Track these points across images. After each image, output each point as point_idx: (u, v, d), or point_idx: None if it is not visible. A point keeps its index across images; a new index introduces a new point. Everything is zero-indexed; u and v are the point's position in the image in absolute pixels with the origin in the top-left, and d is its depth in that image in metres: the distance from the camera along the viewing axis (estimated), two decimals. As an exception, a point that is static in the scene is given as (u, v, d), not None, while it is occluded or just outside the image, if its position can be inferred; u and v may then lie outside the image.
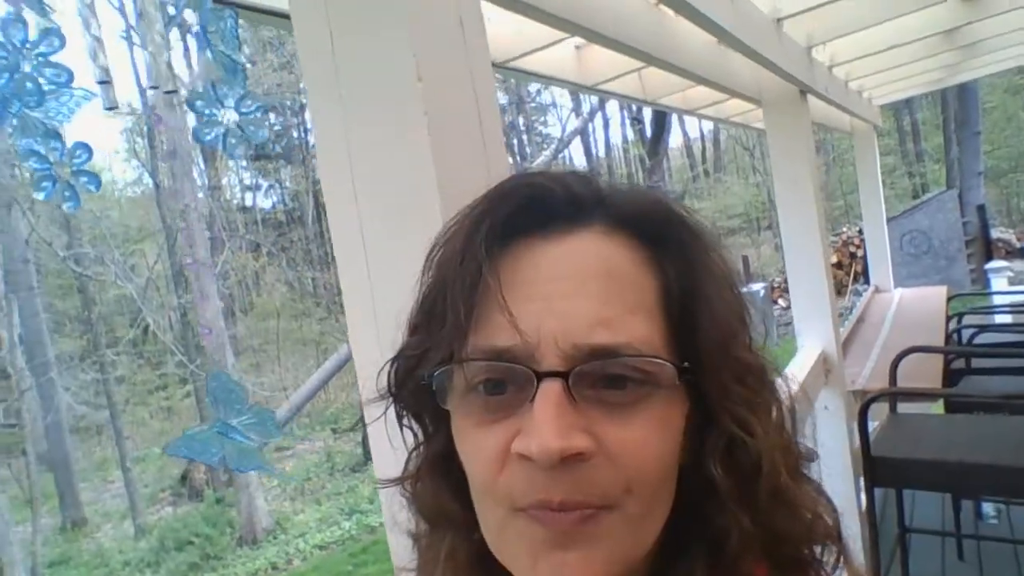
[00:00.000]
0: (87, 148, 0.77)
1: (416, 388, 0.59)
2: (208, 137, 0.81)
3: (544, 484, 0.51)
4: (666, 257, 0.57)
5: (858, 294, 8.56)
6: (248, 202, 24.06)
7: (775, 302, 14.32)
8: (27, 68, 0.71)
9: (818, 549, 0.59)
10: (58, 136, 0.75)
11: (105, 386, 15.75)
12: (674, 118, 21.72)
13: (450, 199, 0.77)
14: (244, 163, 22.62)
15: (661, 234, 0.57)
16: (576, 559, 0.52)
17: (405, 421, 0.64)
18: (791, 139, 3.12)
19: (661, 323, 0.55)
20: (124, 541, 13.06)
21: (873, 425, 3.12)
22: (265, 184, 25.39)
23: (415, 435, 0.64)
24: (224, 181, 22.08)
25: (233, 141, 0.82)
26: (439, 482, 0.61)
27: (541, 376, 0.51)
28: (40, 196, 0.76)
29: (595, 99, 18.24)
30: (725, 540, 0.55)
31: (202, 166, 18.90)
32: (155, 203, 15.45)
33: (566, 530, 0.52)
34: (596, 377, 0.52)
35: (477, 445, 0.55)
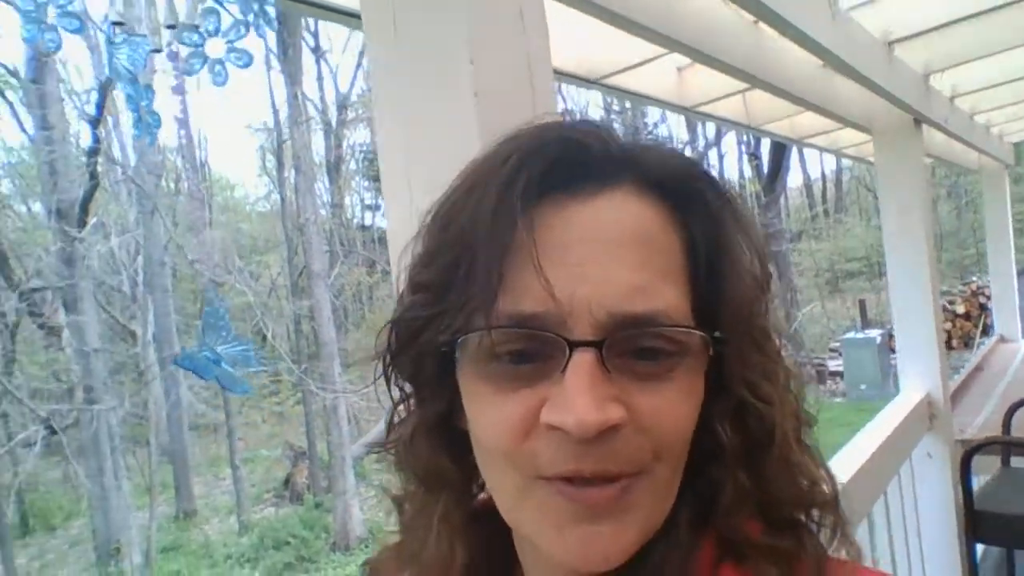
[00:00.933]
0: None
1: (419, 353, 0.57)
2: (197, 68, 0.89)
3: (575, 455, 0.49)
4: (693, 220, 0.55)
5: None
6: (367, 221, 25.02)
7: (893, 351, 13.53)
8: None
9: (815, 517, 0.57)
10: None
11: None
12: (794, 157, 21.08)
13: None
14: (366, 183, 23.57)
15: (689, 196, 0.56)
16: (608, 531, 0.51)
17: (396, 382, 0.61)
18: (903, 170, 2.99)
19: (688, 290, 0.54)
20: (228, 535, 13.69)
21: (984, 478, 2.91)
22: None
23: (404, 396, 0.62)
24: (346, 200, 23.08)
25: (219, 68, 0.90)
26: (436, 444, 0.59)
27: (574, 345, 0.50)
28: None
29: (711, 133, 17.94)
30: (719, 493, 0.54)
31: (326, 184, 19.89)
32: (280, 217, 16.35)
33: (596, 506, 0.50)
34: (628, 348, 0.51)
35: (498, 412, 0.52)
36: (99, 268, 12.15)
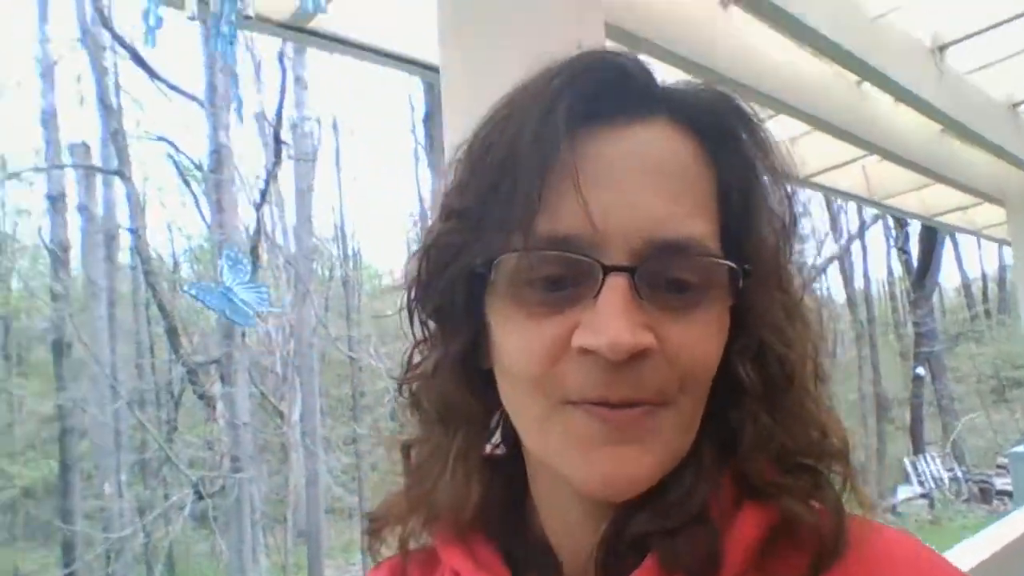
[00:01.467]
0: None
1: (450, 280, 0.57)
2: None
3: (605, 380, 0.50)
4: (725, 157, 0.56)
5: None
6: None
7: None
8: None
9: (827, 467, 0.57)
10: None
11: (358, 471, 17.19)
12: (948, 255, 19.81)
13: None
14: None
15: (722, 133, 0.56)
16: (634, 453, 0.51)
17: (420, 317, 0.62)
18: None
19: (718, 224, 0.55)
20: (355, 620, 13.79)
21: None
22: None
23: (425, 331, 0.62)
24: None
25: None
26: (459, 378, 0.59)
27: (608, 270, 0.50)
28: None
29: (854, 226, 17.27)
30: (740, 432, 0.55)
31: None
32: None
33: (623, 426, 0.51)
34: (660, 278, 0.52)
35: (528, 336, 0.53)
36: (255, 347, 13.09)
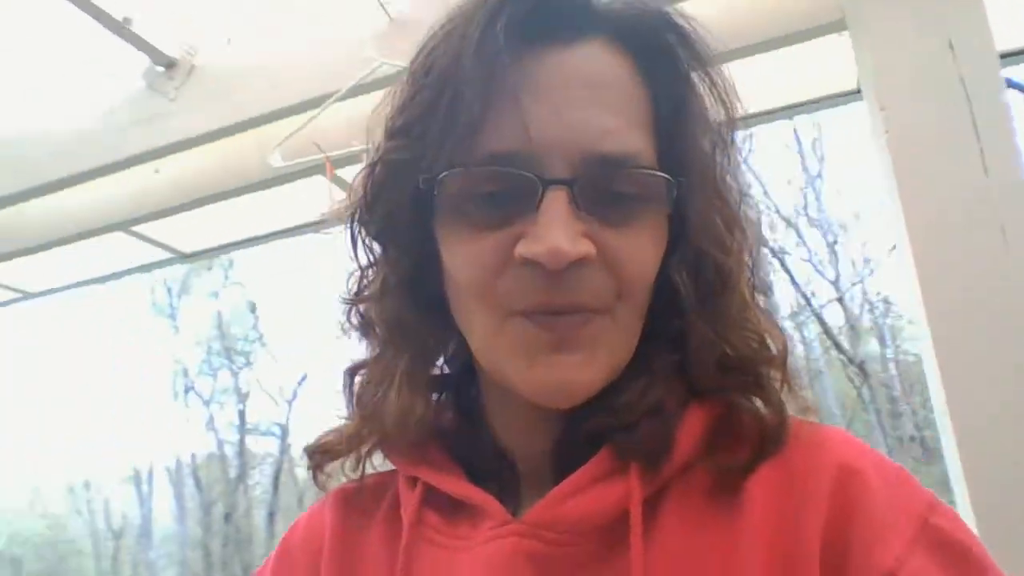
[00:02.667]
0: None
1: (394, 200, 0.58)
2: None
3: (546, 287, 0.52)
4: (660, 71, 0.58)
5: None
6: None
7: None
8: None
9: (766, 371, 0.58)
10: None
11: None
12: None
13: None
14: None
15: (659, 49, 0.58)
16: (575, 360, 0.54)
17: (363, 239, 0.63)
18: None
19: (655, 139, 0.57)
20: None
21: None
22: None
23: (369, 255, 0.63)
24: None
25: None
26: (406, 297, 0.61)
27: (548, 183, 0.52)
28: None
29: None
30: (683, 340, 0.57)
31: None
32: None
33: (564, 332, 0.53)
34: (599, 191, 0.53)
35: (473, 251, 0.55)
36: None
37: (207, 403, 17.28)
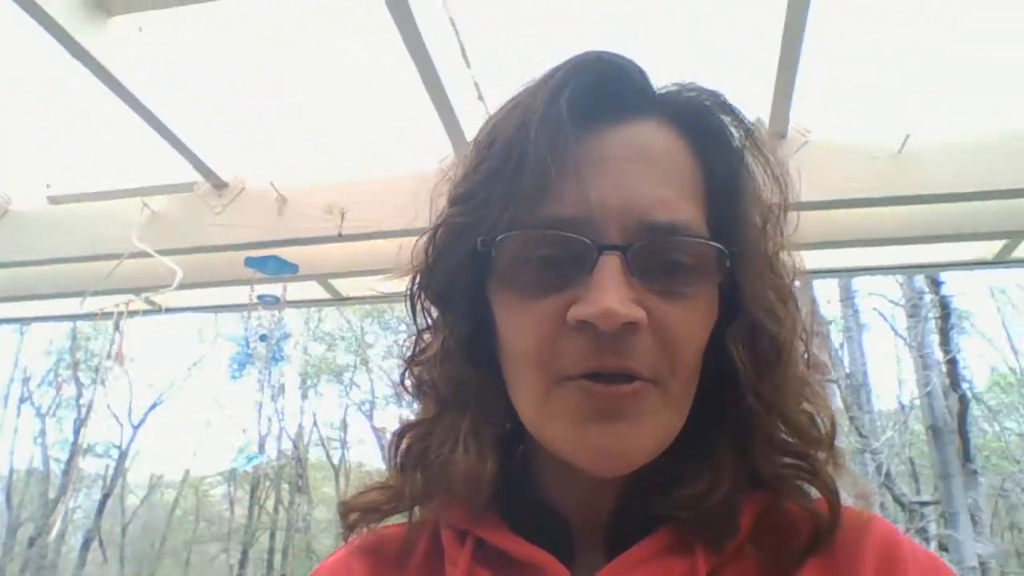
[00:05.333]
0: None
1: (455, 262, 0.60)
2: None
3: (597, 350, 0.53)
4: (714, 149, 0.60)
5: None
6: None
7: None
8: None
9: (815, 451, 0.59)
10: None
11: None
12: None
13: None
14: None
15: (712, 128, 0.60)
16: (623, 428, 0.53)
17: (423, 306, 0.65)
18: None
19: (707, 212, 0.58)
20: None
21: None
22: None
23: (427, 318, 0.65)
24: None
25: None
26: (466, 359, 0.61)
27: (603, 248, 0.53)
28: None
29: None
30: (745, 424, 0.57)
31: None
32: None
33: (615, 404, 0.53)
34: (652, 260, 0.54)
35: (528, 316, 0.55)
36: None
37: (42, 415, 16.58)
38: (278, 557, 17.38)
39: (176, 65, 1.80)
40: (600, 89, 0.57)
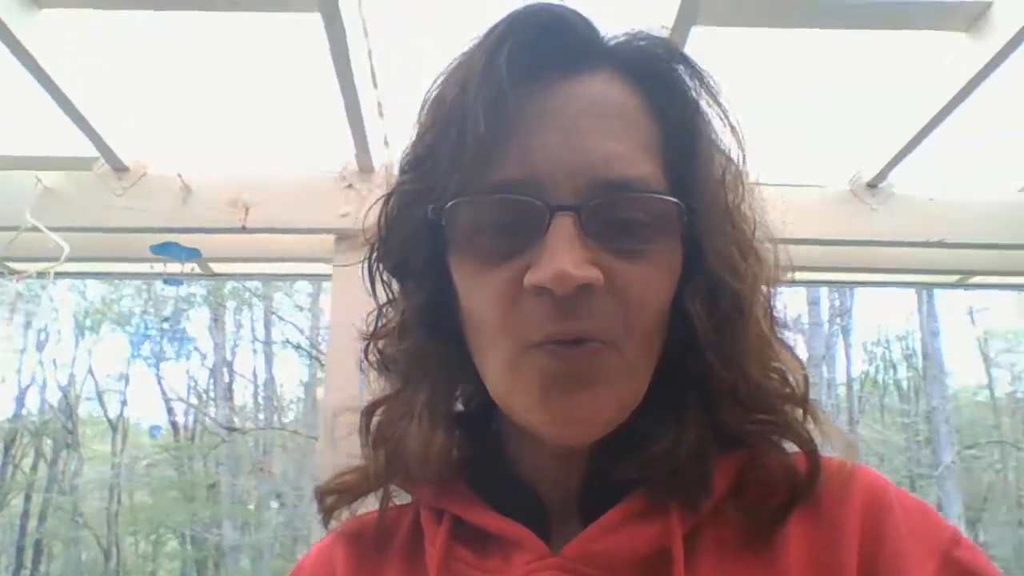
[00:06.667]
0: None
1: (411, 231, 0.59)
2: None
3: (555, 316, 0.51)
4: (669, 101, 0.58)
5: None
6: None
7: None
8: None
9: (791, 407, 0.59)
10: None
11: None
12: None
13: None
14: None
15: (666, 81, 0.58)
16: (587, 396, 0.53)
17: (381, 276, 0.63)
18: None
19: (664, 166, 0.56)
20: None
21: None
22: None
23: (388, 293, 0.64)
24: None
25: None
26: (425, 330, 0.60)
27: (554, 210, 0.51)
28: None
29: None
30: (707, 380, 0.57)
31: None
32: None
33: (575, 364, 0.52)
34: (608, 218, 0.53)
35: (487, 284, 0.54)
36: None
37: None
38: (33, 522, 15.96)
39: (86, 45, 1.80)
40: (543, 43, 0.55)
